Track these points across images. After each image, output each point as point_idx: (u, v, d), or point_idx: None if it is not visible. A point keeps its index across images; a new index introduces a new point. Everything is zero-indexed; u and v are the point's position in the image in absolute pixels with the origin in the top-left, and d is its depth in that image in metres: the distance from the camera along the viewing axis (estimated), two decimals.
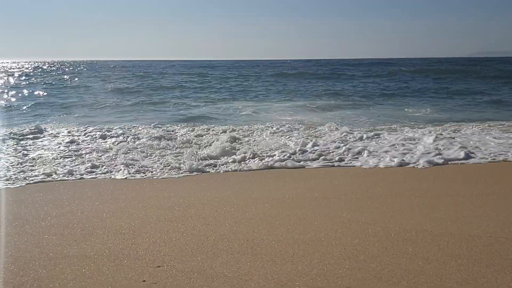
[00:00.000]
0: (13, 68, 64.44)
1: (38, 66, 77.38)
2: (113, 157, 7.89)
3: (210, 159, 7.69)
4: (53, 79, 35.77)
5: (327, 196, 5.54)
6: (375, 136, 9.44)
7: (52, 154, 8.25)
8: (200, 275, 3.39)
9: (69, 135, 10.50)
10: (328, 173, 6.91)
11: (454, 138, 9.29)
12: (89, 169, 7.09)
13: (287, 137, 9.81)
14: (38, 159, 7.82)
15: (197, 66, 67.95)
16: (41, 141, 9.69)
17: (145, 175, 6.81)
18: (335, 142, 8.96)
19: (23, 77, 39.11)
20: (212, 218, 4.74)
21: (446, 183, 6.06)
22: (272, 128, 11.10)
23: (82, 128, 11.61)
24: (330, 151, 8.17)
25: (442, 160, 7.37)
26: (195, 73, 44.01)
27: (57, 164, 7.43)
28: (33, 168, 7.11)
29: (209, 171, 7.14)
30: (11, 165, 7.30)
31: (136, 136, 10.12)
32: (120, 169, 7.08)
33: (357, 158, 7.76)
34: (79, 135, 10.50)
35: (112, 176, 6.78)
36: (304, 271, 3.42)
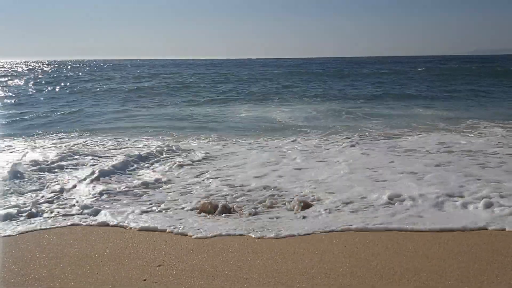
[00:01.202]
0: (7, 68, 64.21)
1: (36, 66, 76.73)
2: None
3: None
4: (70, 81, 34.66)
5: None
6: None
7: None
8: (201, 274, 3.40)
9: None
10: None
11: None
12: None
13: None
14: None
15: (201, 65, 67.76)
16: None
17: None
18: None
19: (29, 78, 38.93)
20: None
21: None
22: None
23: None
24: None
25: None
26: (207, 72, 43.42)
27: None
28: None
29: None
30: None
31: None
32: None
33: None
34: None
35: None
36: (305, 270, 3.43)
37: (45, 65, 79.84)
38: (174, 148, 8.40)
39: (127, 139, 9.94)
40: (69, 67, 66.99)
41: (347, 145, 8.68)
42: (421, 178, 5.98)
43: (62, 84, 30.16)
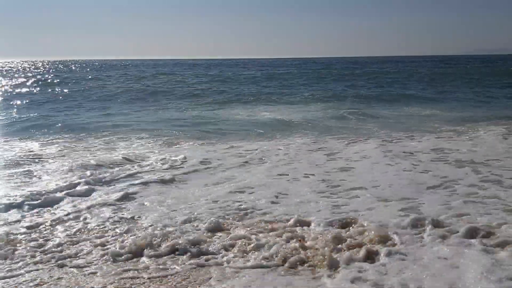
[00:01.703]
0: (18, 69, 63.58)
1: (40, 66, 75.96)
2: None
3: None
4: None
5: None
6: None
7: None
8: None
9: None
10: None
11: None
12: None
13: None
14: None
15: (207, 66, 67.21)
16: None
17: None
18: None
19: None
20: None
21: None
22: None
23: None
24: None
25: None
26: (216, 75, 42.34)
27: None
28: None
29: None
30: None
31: None
32: None
33: None
34: None
35: None
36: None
37: (44, 65, 79.30)
38: (155, 152, 7.97)
39: (119, 142, 9.51)
40: (66, 67, 66.50)
41: (332, 152, 8.02)
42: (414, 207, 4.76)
43: (61, 84, 29.95)
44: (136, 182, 6.07)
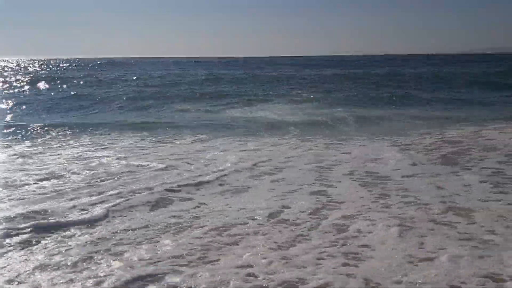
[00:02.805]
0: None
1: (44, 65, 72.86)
2: None
3: None
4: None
5: None
6: None
7: None
8: None
9: None
10: None
11: None
12: None
13: None
14: None
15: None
16: None
17: None
18: None
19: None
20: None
21: None
22: None
23: None
24: None
25: None
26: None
27: None
28: None
29: None
30: None
31: None
32: None
33: None
34: None
35: None
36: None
37: (40, 64, 76.70)
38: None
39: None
40: (63, 66, 64.27)
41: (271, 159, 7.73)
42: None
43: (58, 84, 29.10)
44: None
